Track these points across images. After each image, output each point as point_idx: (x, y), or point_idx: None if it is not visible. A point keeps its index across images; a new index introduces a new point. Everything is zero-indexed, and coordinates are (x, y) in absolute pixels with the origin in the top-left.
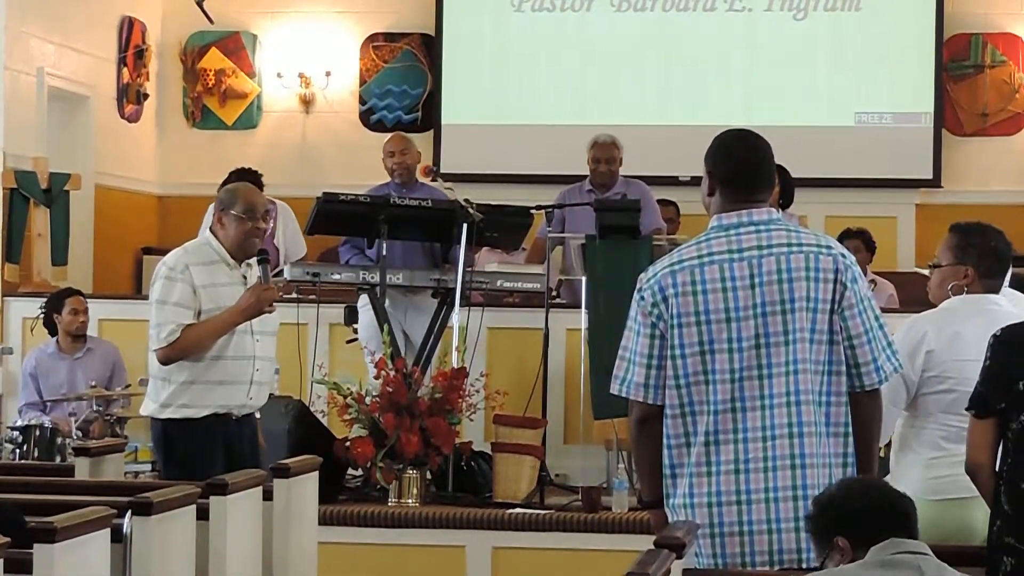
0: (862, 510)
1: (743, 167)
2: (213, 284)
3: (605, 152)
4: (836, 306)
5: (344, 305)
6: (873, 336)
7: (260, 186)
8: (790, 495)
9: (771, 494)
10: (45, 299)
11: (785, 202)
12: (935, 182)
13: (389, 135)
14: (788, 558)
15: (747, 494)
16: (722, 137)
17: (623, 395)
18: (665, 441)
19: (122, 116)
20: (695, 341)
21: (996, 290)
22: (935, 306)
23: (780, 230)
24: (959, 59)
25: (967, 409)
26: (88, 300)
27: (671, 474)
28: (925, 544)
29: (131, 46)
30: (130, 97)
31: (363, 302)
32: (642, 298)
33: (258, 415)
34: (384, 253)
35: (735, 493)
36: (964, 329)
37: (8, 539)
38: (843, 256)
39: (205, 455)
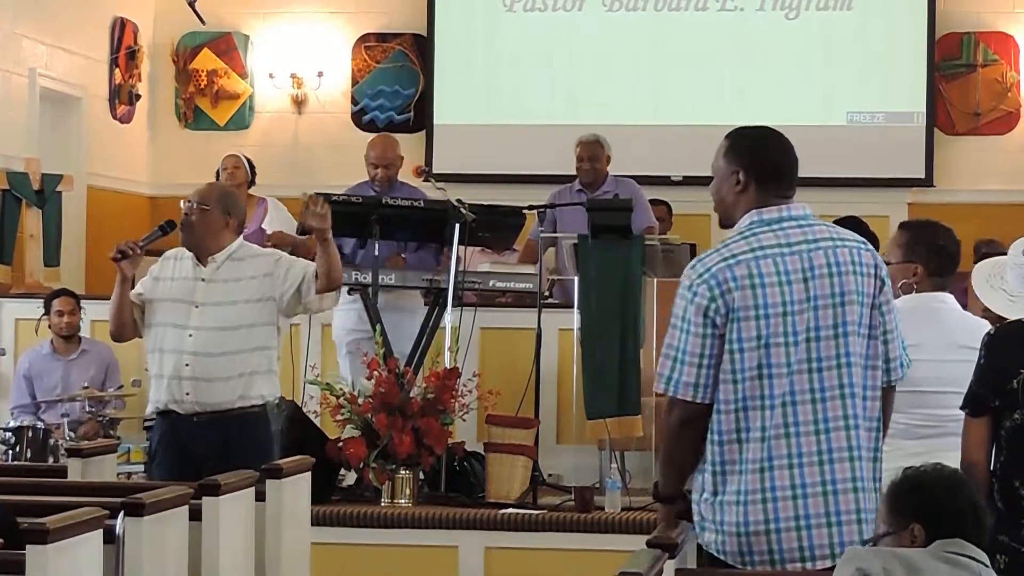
0: (955, 511)
1: (779, 163)
2: (164, 278)
3: (589, 150)
4: (875, 300)
5: None
6: (898, 332)
7: (253, 175)
8: (849, 487)
9: (828, 487)
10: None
11: None
12: (927, 181)
13: (376, 135)
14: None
15: (803, 488)
16: (754, 134)
17: (669, 394)
18: (713, 437)
19: (114, 117)
20: (754, 335)
21: (944, 288)
22: None
23: (819, 225)
24: (951, 58)
25: (961, 408)
26: (81, 301)
27: (719, 471)
28: (986, 556)
29: (123, 47)
30: (122, 98)
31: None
32: (695, 294)
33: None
34: (377, 253)
35: (790, 488)
36: (912, 328)
37: (0, 540)
38: (875, 251)
39: (160, 454)
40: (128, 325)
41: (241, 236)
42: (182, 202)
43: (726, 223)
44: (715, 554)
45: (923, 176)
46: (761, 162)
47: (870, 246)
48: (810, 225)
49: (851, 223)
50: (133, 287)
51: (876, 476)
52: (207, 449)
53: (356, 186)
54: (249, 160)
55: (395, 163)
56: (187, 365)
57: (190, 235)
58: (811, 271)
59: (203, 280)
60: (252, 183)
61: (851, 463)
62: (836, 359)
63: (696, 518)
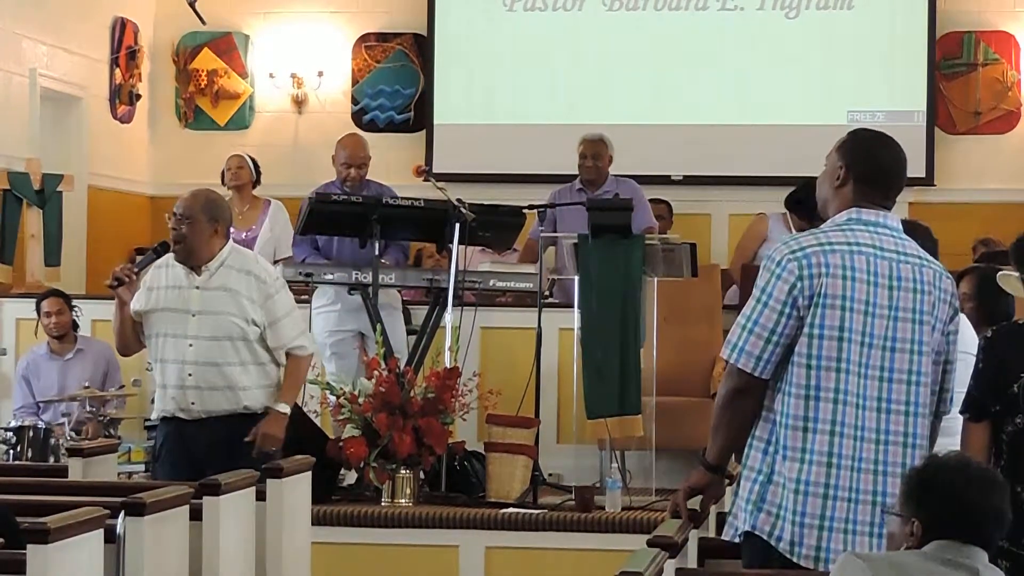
0: (961, 511)
1: (884, 171)
2: (157, 287)
3: (591, 148)
4: (946, 327)
5: None
6: (956, 367)
7: (258, 174)
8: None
9: (878, 498)
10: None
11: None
12: (928, 180)
13: (345, 135)
14: None
15: (857, 493)
16: (870, 137)
17: (730, 360)
18: (779, 419)
19: (115, 117)
20: (835, 325)
21: None
22: None
23: (909, 241)
24: (952, 57)
25: (961, 412)
26: (81, 301)
27: (782, 455)
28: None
29: (123, 47)
30: (123, 98)
31: (320, 302)
32: (784, 269)
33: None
34: (377, 253)
35: (848, 491)
36: None
37: (1, 540)
38: (953, 280)
39: (165, 456)
40: (132, 342)
41: (231, 240)
42: (167, 216)
43: (821, 214)
44: (764, 536)
45: (924, 175)
46: (866, 165)
47: (949, 274)
48: (902, 239)
49: (911, 226)
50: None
51: None
52: (211, 449)
53: (323, 186)
54: (254, 159)
55: (366, 163)
56: (190, 375)
57: (182, 250)
58: (897, 281)
59: (197, 288)
60: (257, 182)
61: (901, 480)
62: (907, 374)
63: (746, 494)
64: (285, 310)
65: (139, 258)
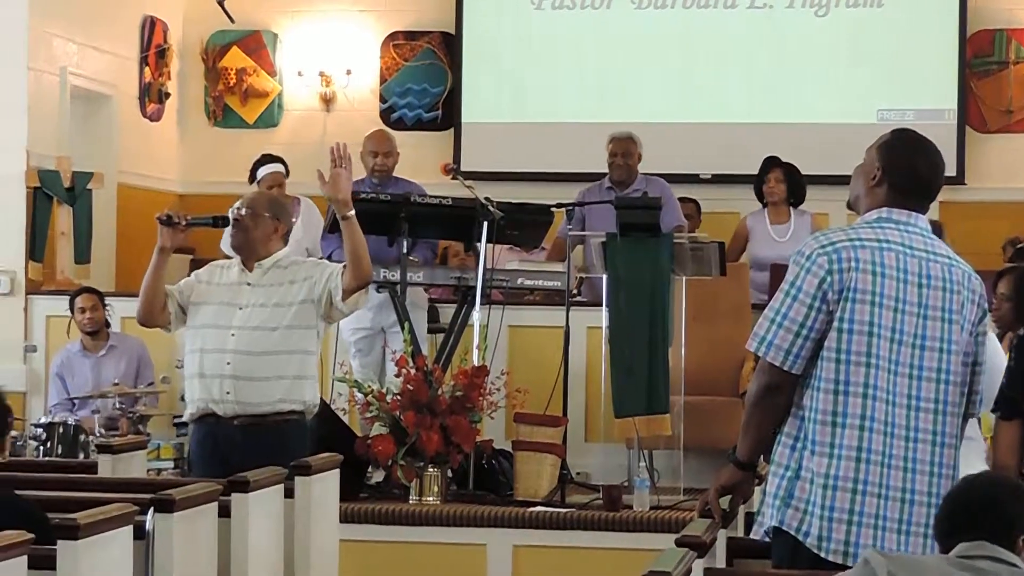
0: (974, 511)
1: (919, 177)
2: (210, 282)
3: (621, 147)
4: (974, 328)
5: None
6: (986, 368)
7: (286, 171)
8: (924, 500)
9: (907, 495)
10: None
11: (796, 200)
12: (959, 179)
13: (372, 131)
14: None
15: (886, 489)
16: (909, 139)
17: (759, 354)
18: (808, 415)
19: (144, 115)
20: (865, 320)
21: None
22: None
23: (939, 241)
24: (983, 55)
25: (992, 411)
26: (111, 298)
27: (811, 450)
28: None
29: (153, 45)
30: (152, 96)
31: None
32: (813, 263)
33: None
34: (405, 251)
35: (877, 487)
36: None
37: (32, 536)
38: (982, 281)
39: (196, 464)
40: (158, 307)
41: (287, 245)
42: (231, 208)
43: (852, 208)
44: (791, 532)
45: (955, 174)
46: (901, 168)
47: (978, 275)
48: (931, 238)
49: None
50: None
51: None
52: (245, 457)
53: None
54: (283, 161)
55: (393, 153)
56: (228, 363)
57: (243, 235)
58: (927, 279)
59: (248, 284)
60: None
61: (929, 477)
62: (937, 372)
63: (773, 490)
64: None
65: (190, 217)
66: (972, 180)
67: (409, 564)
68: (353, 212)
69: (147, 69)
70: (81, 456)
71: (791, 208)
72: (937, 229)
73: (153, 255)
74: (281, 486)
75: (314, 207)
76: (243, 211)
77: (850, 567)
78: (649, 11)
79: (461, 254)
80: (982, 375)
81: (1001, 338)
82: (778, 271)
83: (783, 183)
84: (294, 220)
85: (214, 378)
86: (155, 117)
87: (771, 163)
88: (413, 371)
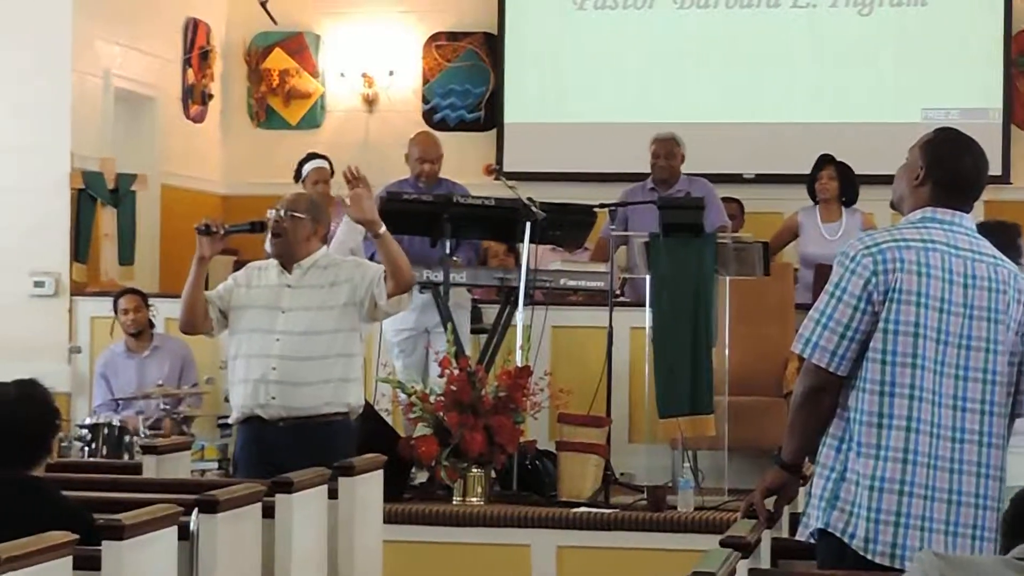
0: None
1: (963, 177)
2: (249, 285)
3: (664, 147)
4: (1020, 328)
5: None
6: None
7: (331, 170)
8: (972, 502)
9: (954, 496)
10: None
11: (848, 199)
12: (1004, 178)
13: (419, 132)
14: None
15: (933, 490)
16: (953, 139)
17: (804, 355)
18: (854, 416)
19: (187, 117)
20: (911, 321)
21: None
22: None
23: (984, 241)
24: None
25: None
26: (154, 299)
27: (856, 452)
28: None
29: (196, 47)
30: (195, 98)
31: None
32: (858, 264)
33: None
34: (448, 251)
35: (924, 488)
36: None
37: (76, 536)
38: None
39: (242, 467)
40: (200, 315)
41: (327, 245)
42: (270, 211)
43: (896, 208)
44: (837, 534)
45: (1000, 173)
46: (945, 168)
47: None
48: (976, 238)
49: (992, 228)
50: (208, 286)
51: (999, 495)
52: (289, 458)
53: (396, 183)
54: (328, 159)
55: (439, 159)
56: (274, 369)
57: (282, 241)
58: (972, 279)
59: (289, 286)
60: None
61: (977, 479)
62: (983, 373)
63: (819, 492)
64: (373, 264)
65: (227, 225)
66: (1017, 179)
67: (453, 565)
68: (384, 228)
69: (190, 71)
70: (125, 457)
71: (843, 207)
72: (1016, 231)
73: (192, 265)
74: (325, 487)
75: None
76: (281, 213)
77: (897, 569)
78: (692, 11)
79: (500, 255)
80: None
81: None
82: (823, 271)
83: (835, 180)
84: (336, 222)
85: (259, 383)
86: (198, 119)
87: (824, 160)
88: (456, 372)
